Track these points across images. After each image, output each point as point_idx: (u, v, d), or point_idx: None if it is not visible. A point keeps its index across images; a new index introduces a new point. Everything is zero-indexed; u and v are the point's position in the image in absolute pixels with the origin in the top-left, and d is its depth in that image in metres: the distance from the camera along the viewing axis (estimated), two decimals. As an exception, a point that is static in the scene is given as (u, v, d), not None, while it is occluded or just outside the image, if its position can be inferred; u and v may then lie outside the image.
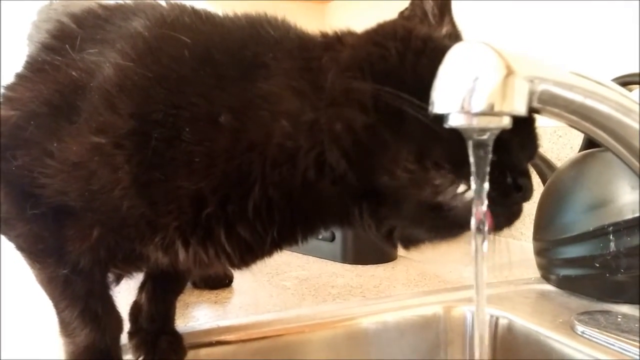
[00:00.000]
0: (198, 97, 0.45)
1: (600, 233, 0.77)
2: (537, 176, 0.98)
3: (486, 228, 0.37)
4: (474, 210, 0.37)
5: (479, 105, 0.32)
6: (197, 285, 0.88)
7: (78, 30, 0.52)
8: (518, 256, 1.04)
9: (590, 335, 0.66)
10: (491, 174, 0.36)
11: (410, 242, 0.46)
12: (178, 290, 0.66)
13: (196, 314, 0.77)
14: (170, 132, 0.44)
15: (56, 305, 0.53)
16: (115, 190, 0.45)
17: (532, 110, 0.35)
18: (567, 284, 0.83)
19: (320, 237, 1.07)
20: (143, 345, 0.61)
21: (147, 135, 0.44)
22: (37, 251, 0.51)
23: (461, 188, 0.38)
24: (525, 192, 0.39)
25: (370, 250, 1.05)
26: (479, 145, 0.34)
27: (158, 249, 0.47)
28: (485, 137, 0.34)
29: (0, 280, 0.88)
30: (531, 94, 0.34)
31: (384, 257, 1.06)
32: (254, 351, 0.68)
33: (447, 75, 0.34)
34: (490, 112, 0.32)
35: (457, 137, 0.36)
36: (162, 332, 0.63)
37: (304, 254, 1.09)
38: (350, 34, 0.46)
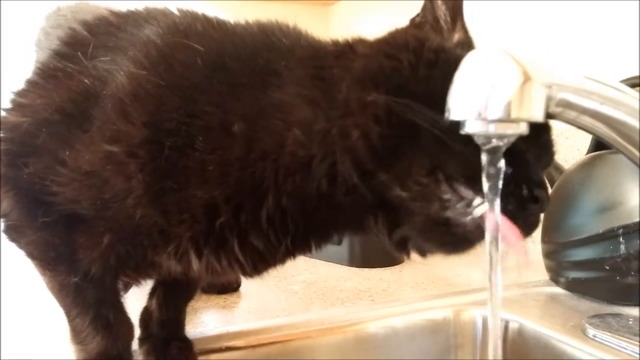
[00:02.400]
0: (211, 105, 0.44)
1: (610, 235, 0.76)
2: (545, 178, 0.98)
3: (502, 239, 0.37)
4: (487, 223, 0.36)
5: (496, 112, 0.32)
6: (205, 290, 0.88)
7: (90, 37, 0.52)
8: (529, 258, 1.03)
9: (602, 339, 0.66)
10: (507, 186, 0.36)
11: (424, 252, 0.46)
12: (188, 296, 0.66)
13: (205, 319, 0.77)
14: (183, 140, 0.44)
15: (68, 313, 0.53)
16: (128, 199, 0.45)
17: (548, 116, 0.34)
18: (576, 287, 0.83)
19: (327, 240, 1.07)
20: (153, 351, 0.61)
21: (161, 144, 0.44)
22: (48, 259, 0.51)
23: (473, 203, 0.38)
24: (542, 204, 0.39)
25: (378, 254, 1.05)
26: (493, 155, 0.34)
27: (171, 257, 0.47)
28: (501, 144, 0.33)
29: (0, 280, 0.88)
30: (548, 100, 0.33)
31: (391, 260, 1.05)
32: (264, 356, 0.68)
33: (463, 82, 0.34)
34: (507, 119, 0.32)
35: (471, 150, 0.36)
36: (172, 338, 0.62)
37: (310, 257, 1.09)
38: (362, 42, 0.46)
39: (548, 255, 0.88)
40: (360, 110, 0.40)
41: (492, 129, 0.33)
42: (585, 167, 0.84)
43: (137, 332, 0.64)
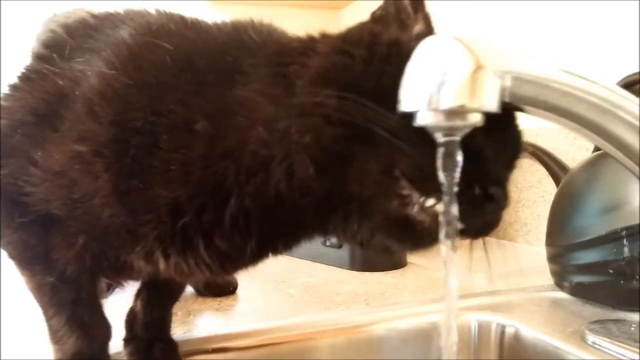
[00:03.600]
0: (176, 104, 0.44)
1: (613, 237, 0.73)
2: (552, 179, 0.95)
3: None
4: (443, 221, 0.35)
5: (446, 102, 0.31)
6: (201, 293, 0.87)
7: (68, 39, 0.52)
8: (534, 263, 1.01)
9: (601, 346, 0.63)
10: (459, 184, 0.34)
11: (385, 250, 0.45)
12: (173, 298, 0.65)
13: (197, 322, 0.76)
14: (149, 139, 0.44)
15: (45, 313, 0.53)
16: (95, 198, 0.45)
17: (508, 107, 0.33)
18: (580, 292, 0.80)
19: (328, 244, 1.06)
20: (137, 353, 0.61)
21: (127, 143, 0.44)
22: (26, 259, 0.51)
23: (430, 200, 0.37)
24: (499, 202, 0.37)
25: (379, 257, 1.03)
26: (448, 149, 0.32)
27: (140, 258, 0.47)
28: (456, 137, 0.32)
29: (0, 280, 0.89)
30: (503, 89, 0.32)
31: (394, 264, 1.04)
32: (252, 358, 0.67)
33: (414, 72, 0.32)
34: (458, 108, 0.30)
35: (426, 145, 0.35)
36: (156, 340, 0.62)
37: (312, 261, 1.08)
38: (325, 37, 0.45)
39: (552, 258, 0.86)
40: (312, 110, 0.39)
41: (443, 120, 0.31)
42: (590, 166, 0.82)
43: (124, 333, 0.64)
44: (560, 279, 0.84)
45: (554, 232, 0.85)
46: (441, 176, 0.33)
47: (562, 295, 0.82)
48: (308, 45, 0.44)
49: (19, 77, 0.53)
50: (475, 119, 0.32)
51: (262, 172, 0.42)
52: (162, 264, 0.46)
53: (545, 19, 1.12)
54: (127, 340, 0.62)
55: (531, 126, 1.10)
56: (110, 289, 0.77)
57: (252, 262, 0.49)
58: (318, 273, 1.01)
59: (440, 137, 0.33)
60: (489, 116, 0.34)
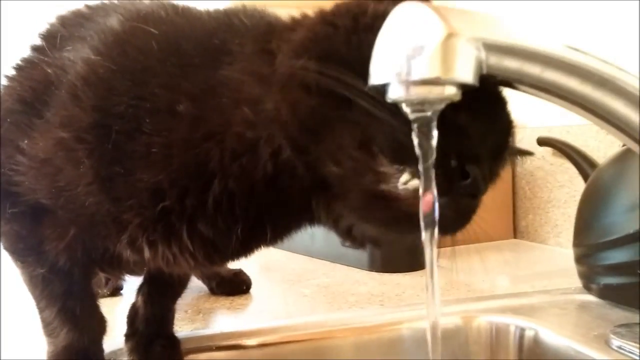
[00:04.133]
0: (160, 87, 0.43)
1: (642, 236, 0.68)
2: (580, 175, 0.91)
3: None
4: (421, 201, 0.32)
5: (416, 73, 0.28)
6: (214, 291, 0.87)
7: (61, 29, 0.53)
8: (565, 265, 0.96)
9: (626, 350, 0.59)
10: (436, 157, 0.31)
11: (365, 239, 0.43)
12: (175, 293, 0.64)
13: (207, 320, 0.75)
14: (131, 124, 0.43)
15: (37, 305, 0.53)
16: (79, 186, 0.45)
17: (489, 84, 0.30)
18: (609, 294, 0.75)
19: (347, 244, 1.03)
20: (136, 348, 0.60)
21: (109, 128, 0.43)
22: (18, 250, 0.51)
23: (405, 176, 0.34)
24: (475, 183, 0.34)
25: (399, 258, 1.00)
26: (422, 126, 0.30)
27: (126, 247, 0.46)
28: (429, 113, 0.29)
29: (0, 280, 0.90)
30: (479, 60, 0.29)
31: (414, 265, 1.00)
32: (255, 357, 0.65)
33: (383, 41, 0.30)
34: (430, 80, 0.28)
35: (402, 120, 0.32)
36: (157, 336, 0.61)
37: (331, 261, 1.06)
38: (316, 12, 0.43)
39: (579, 259, 0.81)
40: (290, 81, 0.37)
41: (414, 93, 0.29)
42: (619, 161, 0.77)
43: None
44: (588, 281, 0.79)
45: (581, 231, 0.80)
46: (419, 157, 0.31)
47: (590, 298, 0.77)
48: (297, 21, 0.42)
49: (13, 68, 0.53)
50: (449, 92, 0.29)
51: (248, 154, 0.41)
52: (146, 253, 0.45)
53: (545, 19, 1.07)
54: (128, 336, 0.61)
55: (560, 123, 1.08)
56: (108, 283, 0.77)
57: (241, 252, 0.47)
58: (335, 273, 0.99)
59: (412, 113, 0.30)
60: (475, 98, 0.32)
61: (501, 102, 0.38)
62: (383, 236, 0.41)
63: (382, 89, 0.31)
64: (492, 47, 0.29)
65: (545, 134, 1.05)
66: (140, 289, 0.63)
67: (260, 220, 0.44)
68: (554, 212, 1.12)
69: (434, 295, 0.34)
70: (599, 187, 0.78)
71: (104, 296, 0.82)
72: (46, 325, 0.52)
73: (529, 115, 1.14)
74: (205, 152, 0.42)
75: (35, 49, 0.52)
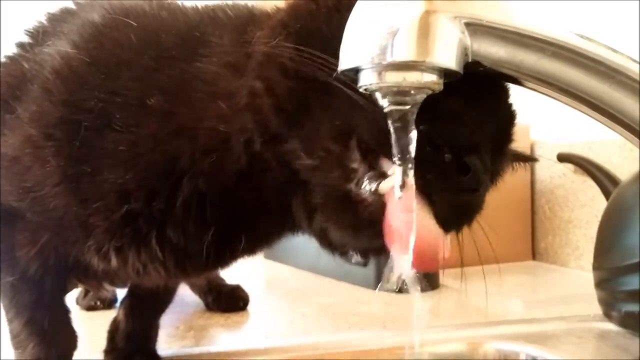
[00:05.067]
0: (133, 81, 0.41)
1: (668, 260, 0.63)
2: (602, 194, 0.85)
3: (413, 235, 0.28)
4: (393, 203, 0.28)
5: (389, 55, 0.24)
6: (209, 307, 0.83)
7: (46, 25, 0.51)
8: (586, 290, 0.90)
9: (647, 386, 0.53)
10: (420, 149, 0.27)
11: (335, 246, 0.39)
12: (160, 308, 0.60)
13: (198, 338, 0.71)
14: (100, 119, 0.41)
15: (6, 315, 0.50)
16: (46, 187, 0.42)
17: (471, 68, 0.26)
18: (630, 323, 0.69)
19: (353, 261, 0.99)
20: (114, 366, 0.56)
21: (77, 124, 0.41)
22: None
23: (383, 175, 0.30)
24: (476, 175, 0.30)
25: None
26: (400, 122, 0.26)
27: (93, 254, 0.43)
28: (406, 106, 0.25)
29: None
30: (462, 44, 0.25)
31: (425, 285, 0.95)
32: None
33: (355, 20, 0.26)
34: (405, 63, 0.24)
35: (381, 111, 0.28)
36: (138, 352, 0.58)
37: (337, 279, 1.01)
38: None
39: (599, 284, 0.75)
40: (266, 60, 0.34)
41: (388, 79, 0.25)
42: (642, 179, 0.71)
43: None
44: (608, 307, 0.73)
45: (601, 253, 0.74)
46: (395, 153, 0.27)
47: (610, 326, 0.71)
48: (279, 8, 0.39)
49: None
50: (428, 79, 0.25)
51: (220, 149, 0.38)
52: (113, 261, 0.42)
53: (544, 19, 1.03)
54: (107, 352, 0.58)
55: (582, 139, 1.02)
56: (87, 294, 0.74)
57: (216, 262, 0.43)
58: (339, 292, 0.95)
59: (388, 105, 0.26)
60: (470, 83, 0.28)
61: (501, 90, 0.34)
62: (350, 243, 0.37)
63: (355, 75, 0.27)
64: (477, 29, 0.25)
65: (566, 149, 0.99)
66: (122, 302, 0.59)
67: (234, 226, 0.40)
68: (575, 232, 1.06)
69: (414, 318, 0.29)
70: (621, 205, 0.73)
71: (97, 309, 0.80)
72: (14, 337, 0.49)
73: (549, 130, 1.09)
74: (175, 149, 0.39)
75: (19, 45, 0.51)
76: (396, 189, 0.27)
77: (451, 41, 0.25)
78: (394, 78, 0.25)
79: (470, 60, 0.26)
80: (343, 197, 0.32)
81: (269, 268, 1.14)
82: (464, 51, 0.25)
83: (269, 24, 0.37)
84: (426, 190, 0.29)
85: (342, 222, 0.34)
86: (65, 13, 0.52)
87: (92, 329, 0.67)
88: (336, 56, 0.29)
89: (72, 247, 0.44)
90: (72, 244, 0.44)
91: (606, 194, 0.84)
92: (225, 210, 0.40)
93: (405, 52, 0.24)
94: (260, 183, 0.38)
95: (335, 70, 0.29)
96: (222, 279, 0.84)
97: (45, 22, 0.52)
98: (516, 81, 0.29)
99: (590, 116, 0.28)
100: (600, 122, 0.29)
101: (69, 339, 0.50)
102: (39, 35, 0.49)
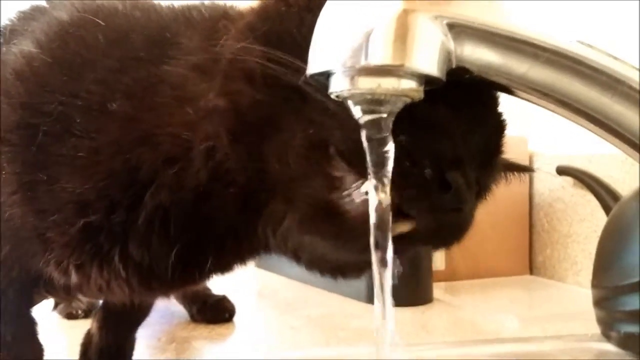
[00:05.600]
0: (96, 83, 0.39)
1: (670, 280, 0.60)
2: (601, 209, 0.82)
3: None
4: (372, 218, 0.25)
5: (363, 58, 0.22)
6: (194, 318, 0.80)
7: (16, 23, 0.49)
8: (584, 307, 0.87)
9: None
10: (398, 163, 0.25)
11: (313, 264, 0.36)
12: (135, 321, 0.58)
13: (180, 350, 0.69)
14: (60, 124, 0.38)
15: None
16: (3, 195, 0.40)
17: (455, 73, 0.23)
18: (630, 344, 0.66)
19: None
20: (85, 381, 0.54)
21: (35, 128, 0.39)
22: None
23: (363, 184, 0.27)
24: (459, 193, 0.27)
25: (402, 291, 0.91)
26: (375, 133, 0.23)
27: (53, 269, 0.40)
28: (382, 114, 0.23)
29: None
30: (445, 48, 0.22)
31: (418, 299, 0.92)
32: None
33: (326, 19, 0.24)
34: (380, 68, 0.21)
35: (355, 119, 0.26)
36: (111, 368, 0.55)
37: (328, 290, 0.99)
38: None
39: (598, 302, 0.72)
40: (231, 67, 0.31)
41: (361, 84, 0.22)
42: (644, 194, 0.68)
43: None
44: (607, 327, 0.70)
45: (600, 271, 0.72)
46: (369, 165, 0.24)
47: (609, 347, 0.69)
48: (253, 7, 0.37)
49: None
50: (406, 86, 0.22)
51: (181, 160, 0.36)
52: (74, 276, 0.39)
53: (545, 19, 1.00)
54: (79, 367, 0.55)
55: (582, 152, 1.00)
56: (57, 306, 0.71)
57: (184, 281, 0.41)
58: (330, 304, 0.92)
59: (360, 114, 0.24)
60: (455, 90, 0.25)
61: (489, 98, 0.32)
62: (330, 255, 0.35)
63: (325, 80, 0.24)
64: (462, 31, 0.22)
65: (565, 162, 0.97)
66: (95, 314, 0.57)
67: (199, 245, 0.38)
68: (573, 247, 1.03)
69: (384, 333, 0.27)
70: (622, 222, 0.70)
71: (78, 317, 0.77)
72: (-24, 350, 0.46)
73: (547, 141, 1.07)
74: (137, 158, 0.36)
75: None
76: (370, 207, 0.25)
77: (432, 44, 0.22)
78: (367, 84, 0.22)
79: (454, 66, 0.23)
80: (326, 208, 0.30)
81: (260, 277, 1.12)
82: (447, 56, 0.23)
83: (237, 26, 0.35)
84: (405, 209, 0.27)
85: (326, 236, 0.32)
86: (36, 11, 0.49)
87: (72, 338, 0.65)
88: (307, 59, 0.27)
89: (32, 260, 0.42)
90: (31, 256, 0.42)
91: (606, 209, 0.81)
92: (189, 228, 0.37)
93: (380, 55, 0.21)
94: (223, 200, 0.35)
95: (305, 74, 0.27)
96: (208, 289, 0.82)
97: (15, 20, 0.50)
98: (507, 90, 0.26)
99: (589, 129, 0.26)
100: (599, 135, 0.26)
101: (34, 352, 0.48)
102: (7, 34, 0.47)
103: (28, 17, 0.48)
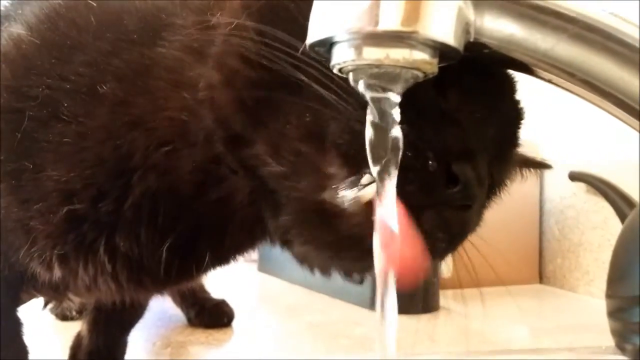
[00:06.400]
0: (85, 65, 0.37)
1: (690, 290, 0.57)
2: (616, 216, 0.79)
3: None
4: (376, 218, 0.23)
5: (371, 21, 0.19)
6: (192, 322, 0.78)
7: (9, 8, 0.47)
8: (596, 318, 0.84)
9: None
10: (410, 155, 0.22)
11: (309, 263, 0.33)
12: (127, 323, 0.55)
13: (175, 355, 0.66)
14: (46, 108, 0.36)
15: None
16: None
17: (471, 48, 0.20)
18: (647, 358, 0.63)
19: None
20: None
21: (21, 114, 0.36)
22: None
23: (362, 185, 0.25)
24: (467, 187, 0.24)
25: (407, 298, 0.89)
26: (381, 113, 0.20)
27: (36, 262, 0.37)
28: (389, 94, 0.20)
29: None
30: (463, 15, 0.20)
31: (423, 307, 0.89)
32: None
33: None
34: (389, 33, 0.19)
35: (361, 102, 0.23)
36: (102, 372, 0.52)
37: (331, 296, 0.96)
38: None
39: (613, 313, 0.69)
40: (225, 47, 0.29)
41: (368, 54, 0.20)
42: (662, 200, 0.66)
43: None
44: (622, 339, 0.67)
45: (615, 281, 0.69)
46: (369, 155, 0.21)
47: (624, 360, 0.65)
48: None
49: None
50: (418, 56, 0.20)
51: (177, 141, 0.34)
52: (57, 271, 0.37)
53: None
54: (68, 371, 0.53)
55: (595, 157, 0.97)
56: (47, 305, 0.69)
57: (180, 277, 0.38)
58: (332, 310, 0.89)
59: (366, 91, 0.21)
60: (466, 73, 0.23)
61: (505, 82, 0.29)
62: (329, 264, 0.32)
63: (327, 53, 0.22)
64: (482, 4, 0.20)
65: (578, 168, 0.94)
66: (85, 315, 0.54)
67: (196, 234, 0.35)
68: (585, 256, 1.00)
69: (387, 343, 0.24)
70: (636, 230, 0.67)
71: (73, 319, 0.74)
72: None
73: (559, 147, 1.03)
74: (129, 144, 0.34)
75: None
76: (376, 203, 0.22)
77: (449, 10, 0.19)
78: (374, 54, 0.20)
79: (472, 39, 0.20)
80: (317, 209, 0.27)
81: (261, 281, 1.09)
82: (465, 27, 0.20)
83: (231, 2, 0.32)
84: (407, 204, 0.24)
85: (317, 240, 0.29)
86: None
87: (66, 340, 0.62)
88: (305, 37, 0.24)
89: (16, 254, 0.39)
90: (15, 250, 0.39)
91: (621, 216, 0.78)
92: (184, 218, 0.35)
93: (389, 19, 0.19)
94: (226, 189, 0.33)
95: (304, 58, 0.24)
96: (206, 292, 0.79)
97: (10, 5, 0.48)
98: (528, 69, 0.23)
99: (620, 119, 0.23)
100: (631, 125, 0.23)
101: (18, 353, 0.45)
102: (0, 20, 0.45)
103: (23, 2, 0.47)
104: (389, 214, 0.22)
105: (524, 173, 0.39)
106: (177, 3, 0.39)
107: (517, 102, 0.30)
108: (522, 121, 0.30)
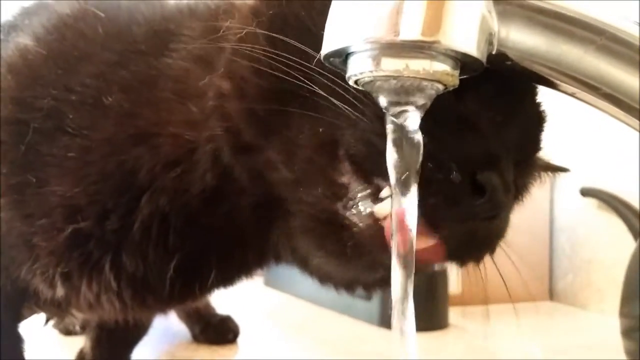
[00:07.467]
0: (91, 77, 0.36)
1: None
2: (629, 232, 0.78)
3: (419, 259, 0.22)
4: (392, 229, 0.22)
5: (390, 30, 0.18)
6: (197, 338, 0.76)
7: (18, 18, 0.47)
8: (609, 337, 0.82)
9: None
10: (423, 165, 0.21)
11: (323, 277, 0.32)
12: (131, 340, 0.55)
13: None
14: (52, 121, 0.36)
15: None
16: None
17: (494, 62, 0.20)
18: (664, 379, 0.61)
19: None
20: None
21: (26, 125, 0.36)
22: None
23: (379, 195, 0.24)
24: (493, 196, 0.23)
25: (415, 315, 0.87)
26: (401, 126, 0.20)
27: (39, 279, 0.37)
28: (409, 107, 0.19)
29: None
30: (488, 28, 0.19)
31: (432, 324, 0.88)
32: None
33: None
34: (409, 43, 0.18)
35: (379, 113, 0.23)
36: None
37: (339, 312, 0.94)
38: None
39: (627, 333, 0.67)
40: (235, 56, 0.29)
41: (386, 65, 0.19)
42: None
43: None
44: (636, 358, 0.65)
45: (629, 299, 0.67)
46: (389, 167, 0.21)
47: (640, 382, 0.64)
48: None
49: None
50: (439, 68, 0.19)
51: (184, 163, 0.33)
52: (59, 289, 0.36)
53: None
54: (71, 388, 0.52)
55: (607, 172, 0.96)
56: (48, 321, 0.68)
57: (183, 296, 0.37)
58: (340, 327, 0.88)
59: (384, 105, 0.20)
60: (487, 79, 0.22)
61: (526, 85, 0.28)
62: (338, 277, 0.31)
63: (343, 64, 0.21)
64: (510, 10, 0.19)
65: (589, 183, 0.92)
66: (89, 332, 0.53)
67: (203, 255, 0.34)
68: (597, 274, 0.99)
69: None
70: (653, 246, 0.66)
71: (76, 334, 0.73)
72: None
73: (571, 161, 1.02)
74: (135, 160, 0.34)
75: None
76: (393, 219, 0.21)
77: (473, 19, 0.19)
78: (393, 65, 0.19)
79: (494, 51, 0.19)
80: (329, 220, 0.26)
81: (268, 296, 1.08)
82: (489, 37, 0.19)
83: (241, 11, 0.32)
84: (430, 219, 0.23)
85: (327, 252, 0.28)
86: (40, 7, 0.47)
87: (70, 355, 0.61)
88: (317, 47, 0.24)
89: (18, 270, 0.39)
90: (18, 265, 0.38)
91: (633, 232, 0.77)
92: (192, 236, 0.34)
93: (410, 28, 0.18)
94: (232, 206, 0.33)
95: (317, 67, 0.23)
96: (211, 308, 0.78)
97: (17, 15, 0.48)
98: (551, 84, 0.22)
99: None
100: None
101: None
102: (7, 30, 0.45)
103: (30, 12, 0.47)
104: (409, 227, 0.21)
105: (540, 177, 0.38)
106: (186, 12, 0.38)
107: (538, 105, 0.29)
108: (544, 124, 0.30)
